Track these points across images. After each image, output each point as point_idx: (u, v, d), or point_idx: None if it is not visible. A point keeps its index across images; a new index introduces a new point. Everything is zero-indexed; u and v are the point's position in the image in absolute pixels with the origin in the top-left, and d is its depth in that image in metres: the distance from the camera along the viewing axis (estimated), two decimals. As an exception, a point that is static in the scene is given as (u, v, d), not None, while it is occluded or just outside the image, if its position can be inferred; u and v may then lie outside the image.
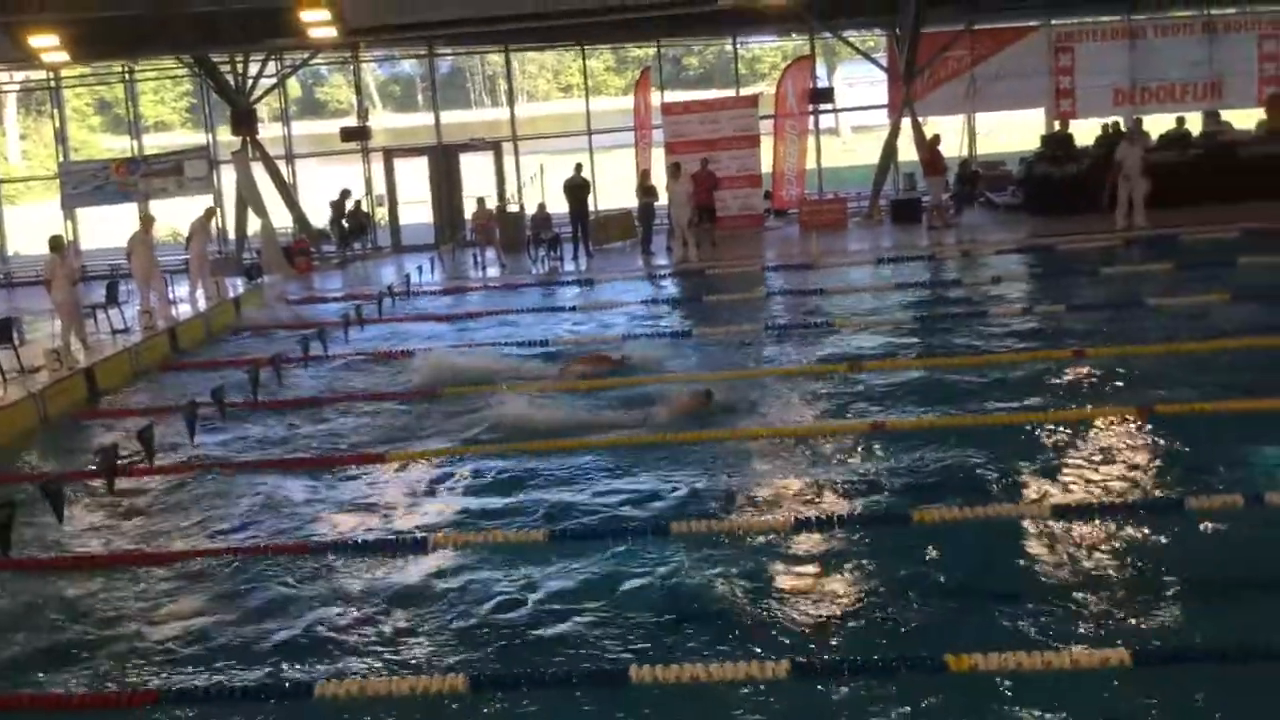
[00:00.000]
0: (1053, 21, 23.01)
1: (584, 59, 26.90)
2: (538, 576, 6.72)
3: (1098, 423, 8.85)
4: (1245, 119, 21.94)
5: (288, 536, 7.67)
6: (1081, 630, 5.70)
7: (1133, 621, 5.81)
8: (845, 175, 27.16)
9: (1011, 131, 26.53)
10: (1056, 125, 22.20)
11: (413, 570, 6.98)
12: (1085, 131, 21.86)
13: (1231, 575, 6.28)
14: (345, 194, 23.64)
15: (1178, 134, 20.91)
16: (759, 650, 5.65)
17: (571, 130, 26.15)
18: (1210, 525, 6.84)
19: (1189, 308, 12.49)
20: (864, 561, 6.75)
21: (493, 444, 9.45)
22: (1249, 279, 13.84)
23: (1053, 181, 20.07)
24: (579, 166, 20.95)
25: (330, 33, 19.77)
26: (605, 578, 6.66)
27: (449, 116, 30.66)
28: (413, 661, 5.88)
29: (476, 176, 24.22)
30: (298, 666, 5.87)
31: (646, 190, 20.39)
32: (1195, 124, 21.53)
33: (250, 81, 23.25)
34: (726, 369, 11.48)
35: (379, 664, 5.86)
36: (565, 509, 7.85)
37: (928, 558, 6.72)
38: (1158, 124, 21.81)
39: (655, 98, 24.06)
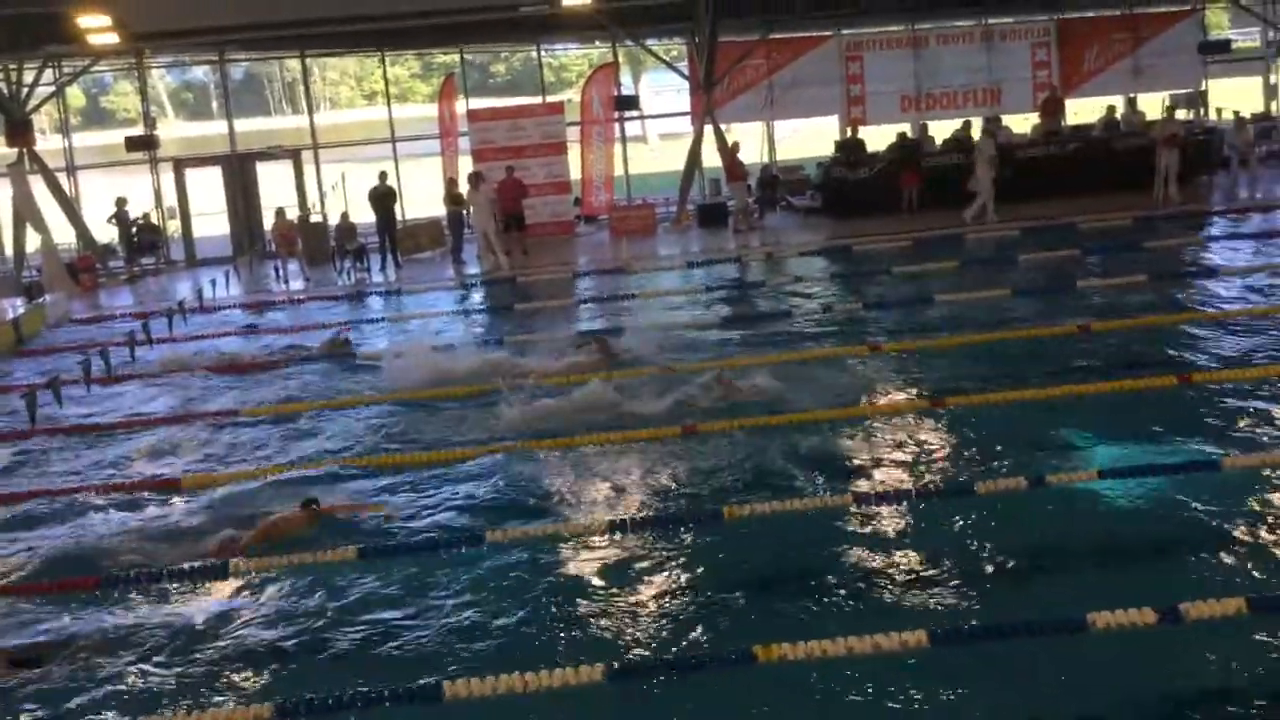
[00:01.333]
0: (843, 31, 23.93)
1: (385, 65, 26.39)
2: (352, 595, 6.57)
3: (893, 415, 9.23)
4: (1023, 123, 23.44)
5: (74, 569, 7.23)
6: (882, 615, 5.93)
7: (929, 603, 6.09)
8: (654, 181, 27.54)
9: (811, 137, 27.44)
10: (849, 131, 23.14)
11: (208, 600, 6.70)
12: (879, 136, 22.92)
13: (1018, 554, 6.65)
14: (121, 203, 22.33)
15: (961, 138, 22.11)
16: (573, 656, 5.65)
17: (376, 138, 25.64)
18: (997, 508, 7.25)
19: (974, 303, 13.18)
20: (677, 560, 6.85)
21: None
22: (1027, 274, 14.77)
23: (848, 185, 20.90)
24: (383, 175, 20.53)
25: (111, 39, 18.76)
26: (412, 592, 6.57)
27: (247, 124, 29.58)
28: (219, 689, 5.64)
29: (277, 186, 23.42)
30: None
31: (454, 198, 20.16)
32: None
33: (26, 90, 21.81)
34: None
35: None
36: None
37: (738, 553, 6.88)
38: (943, 129, 23.06)
39: (461, 105, 23.85)
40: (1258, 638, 5.44)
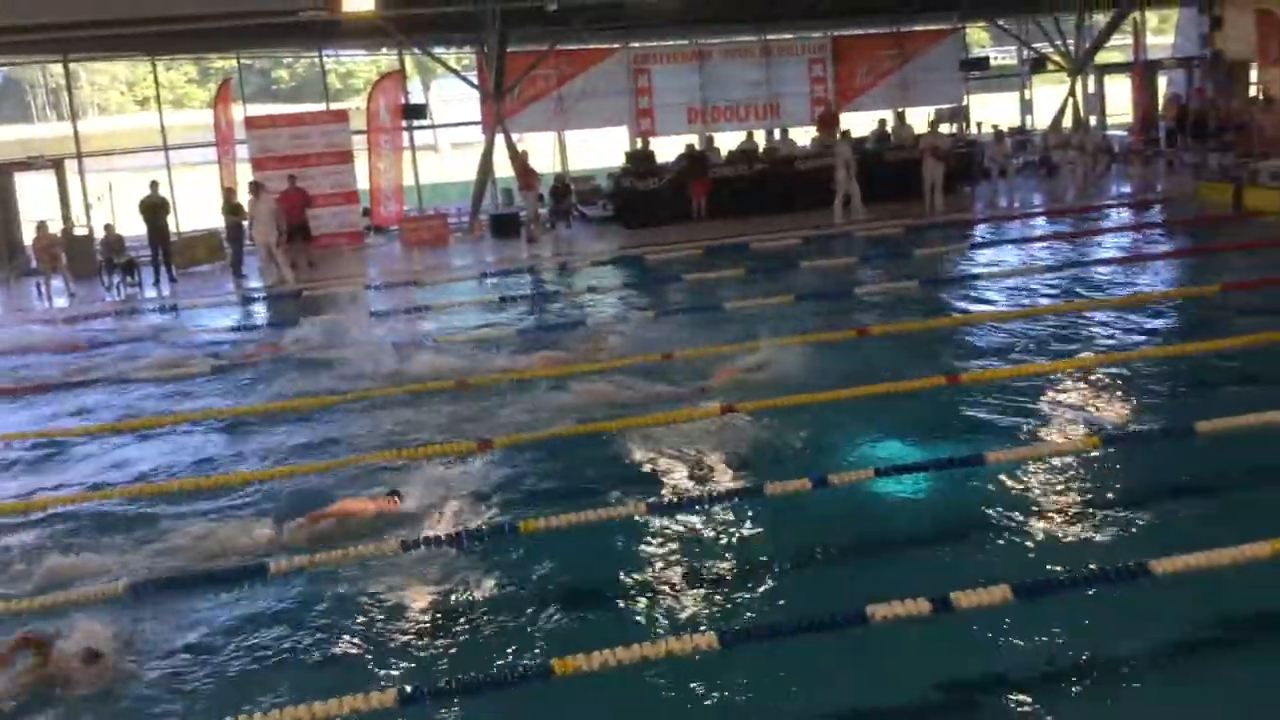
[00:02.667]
0: (630, 44, 24.29)
1: (156, 70, 25.09)
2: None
3: (685, 422, 9.40)
4: (805, 135, 24.37)
5: None
6: (675, 619, 6.03)
7: (720, 606, 6.24)
8: (447, 191, 27.23)
9: (603, 147, 27.69)
10: (639, 142, 23.52)
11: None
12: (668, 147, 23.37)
13: (804, 553, 6.91)
14: None
15: (746, 149, 22.82)
16: (364, 683, 5.50)
17: (146, 146, 24.34)
18: (785, 508, 7.50)
19: (760, 309, 13.59)
20: (472, 576, 6.77)
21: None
22: (809, 281, 15.34)
23: (638, 195, 21.22)
24: (154, 184, 19.49)
25: None
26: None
27: (8, 133, 27.59)
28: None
29: (40, 198, 21.90)
30: None
31: (233, 209, 19.35)
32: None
33: None
34: (322, 394, 11.14)
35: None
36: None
37: (535, 566, 6.86)
38: (728, 140, 23.74)
39: (239, 111, 22.93)
40: (1021, 622, 5.81)
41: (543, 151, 24.78)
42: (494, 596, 6.53)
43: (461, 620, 6.28)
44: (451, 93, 28.80)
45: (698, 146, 22.78)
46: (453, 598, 6.54)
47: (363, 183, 22.63)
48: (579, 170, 25.54)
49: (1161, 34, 31.21)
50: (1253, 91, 24.96)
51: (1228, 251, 15.59)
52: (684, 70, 24.63)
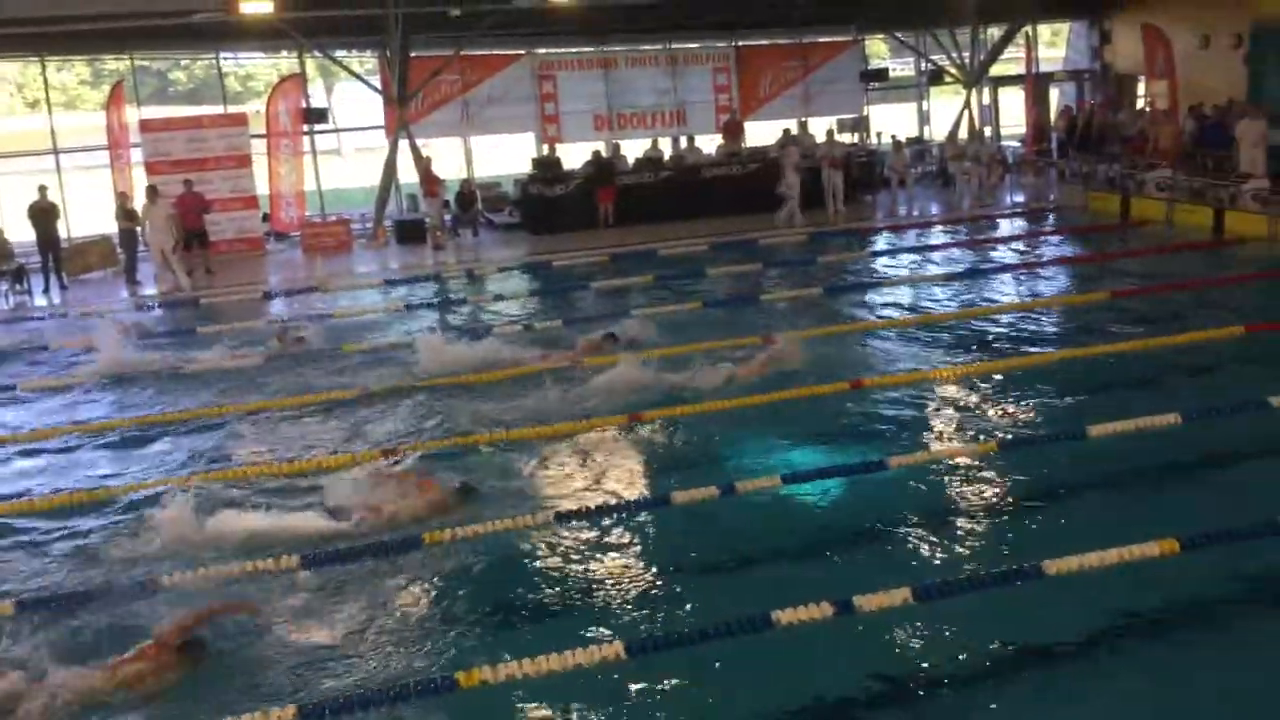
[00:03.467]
0: (535, 51, 24.23)
1: (45, 71, 24.24)
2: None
3: (592, 431, 9.40)
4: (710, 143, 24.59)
5: None
6: (581, 630, 6.02)
7: (628, 615, 6.25)
8: (350, 196, 26.85)
9: (510, 154, 27.54)
10: (546, 149, 23.46)
11: None
12: (575, 153, 23.36)
13: (712, 560, 6.94)
14: None
15: (653, 156, 22.93)
16: (262, 699, 5.39)
17: (36, 149, 23.53)
18: (693, 516, 7.54)
19: (668, 316, 13.66)
20: (378, 588, 6.68)
21: None
22: (717, 287, 15.48)
23: (545, 201, 21.18)
24: (43, 189, 18.80)
25: None
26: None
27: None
28: None
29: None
30: None
31: (127, 214, 18.78)
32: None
33: None
34: (224, 403, 10.89)
35: None
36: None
37: (439, 579, 6.79)
38: (635, 148, 23.83)
39: (133, 114, 22.29)
40: (920, 623, 5.93)
41: (451, 157, 24.56)
42: (398, 608, 6.44)
43: (366, 634, 6.18)
44: (355, 96, 28.36)
45: (604, 154, 22.84)
46: (357, 610, 6.43)
47: (263, 188, 22.15)
48: (485, 177, 25.37)
49: (1054, 47, 32.16)
50: (1140, 104, 25.91)
51: (1116, 259, 16.14)
52: (590, 77, 24.66)
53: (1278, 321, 11.86)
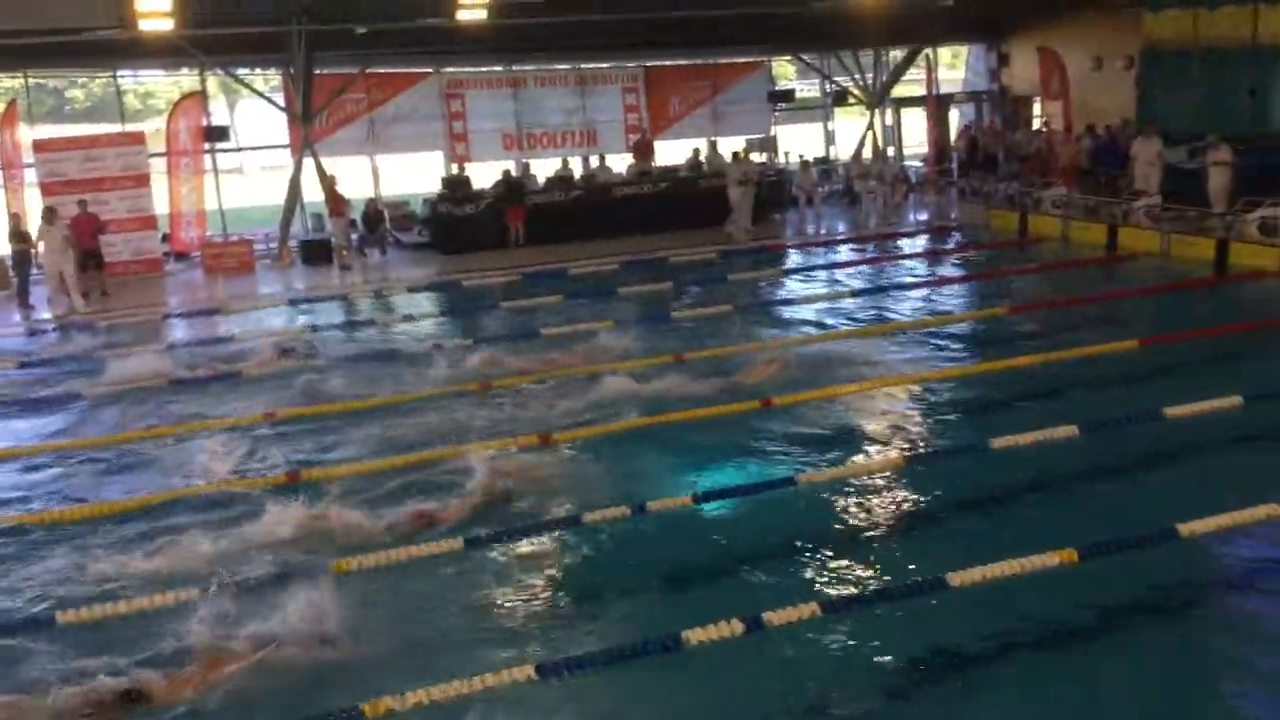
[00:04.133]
0: (443, 69, 24.09)
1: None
2: None
3: (498, 452, 9.32)
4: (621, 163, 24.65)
5: None
6: (492, 653, 5.95)
7: (538, 638, 6.19)
8: (254, 216, 26.34)
9: (418, 172, 27.29)
10: (455, 168, 23.32)
11: None
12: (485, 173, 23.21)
13: (623, 581, 6.89)
14: None
15: (564, 176, 22.93)
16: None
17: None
18: (604, 536, 7.51)
19: (577, 335, 13.63)
20: (281, 618, 6.52)
21: None
22: (627, 306, 15.50)
23: (454, 221, 21.03)
24: (-73, 210, 18.15)
25: None
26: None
27: None
28: None
29: None
30: None
31: (20, 236, 18.17)
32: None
33: None
34: (119, 431, 10.58)
35: None
36: None
37: (349, 606, 6.65)
38: (546, 167, 23.81)
39: (27, 133, 21.61)
40: (829, 636, 5.98)
41: (358, 176, 24.24)
42: (306, 637, 6.28)
43: (276, 664, 6.01)
44: (259, 114, 27.86)
45: (514, 173, 22.75)
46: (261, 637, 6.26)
47: (162, 208, 21.62)
48: (394, 196, 25.09)
49: (954, 69, 33.00)
50: (1036, 124, 26.70)
51: (1015, 275, 16.57)
52: (499, 96, 24.59)
53: (1170, 334, 12.29)
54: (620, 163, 24.49)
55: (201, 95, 23.33)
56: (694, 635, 5.85)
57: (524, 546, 7.39)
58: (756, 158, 25.28)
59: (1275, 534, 7.06)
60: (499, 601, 6.67)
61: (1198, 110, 19.50)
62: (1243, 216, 16.55)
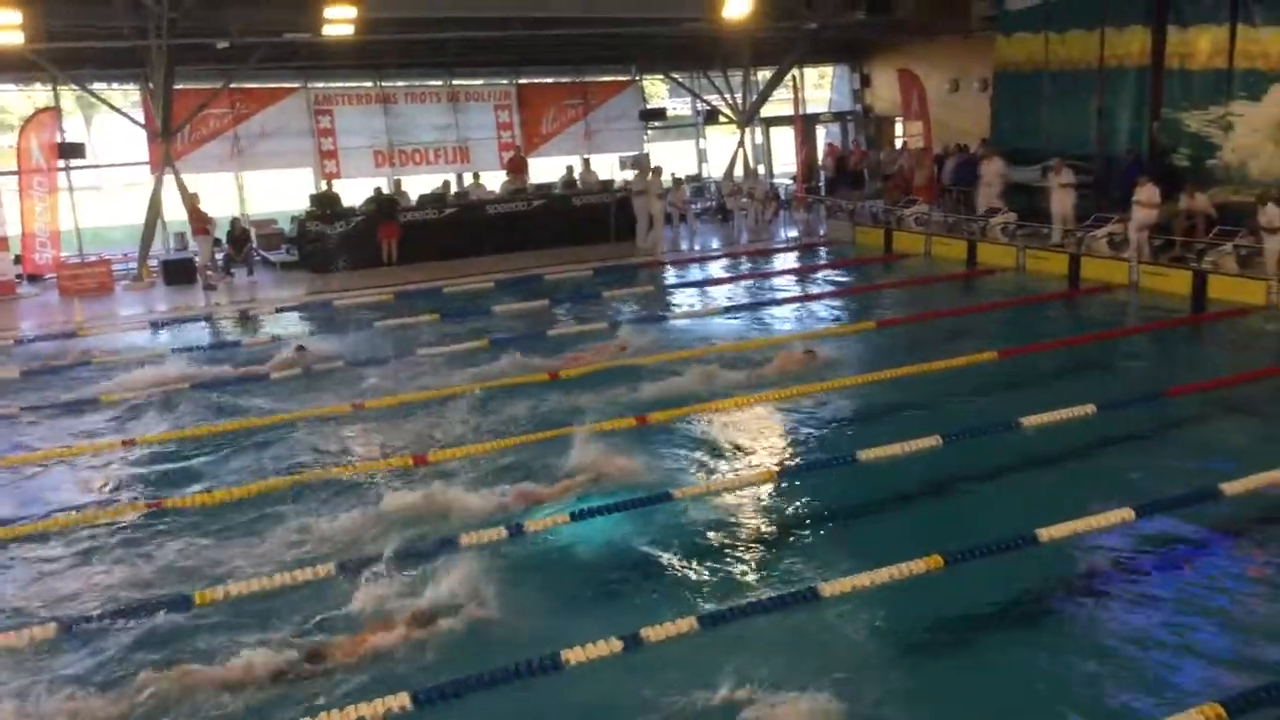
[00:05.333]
0: (310, 84, 23.65)
1: None
2: None
3: (379, 473, 9.20)
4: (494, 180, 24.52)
5: None
6: (367, 679, 5.86)
7: (416, 663, 6.11)
8: (114, 235, 25.41)
9: (286, 190, 26.68)
10: (325, 185, 22.89)
11: None
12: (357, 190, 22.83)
13: (502, 602, 6.81)
14: None
15: (437, 194, 22.67)
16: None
17: None
18: (482, 557, 7.45)
19: (456, 355, 13.52)
20: (134, 653, 6.31)
21: None
22: (503, 324, 15.42)
23: (325, 239, 20.63)
24: None
25: None
26: None
27: None
28: None
29: None
30: None
31: None
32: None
33: None
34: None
35: None
36: None
37: (211, 638, 6.47)
38: (419, 184, 23.52)
39: None
40: (707, 650, 6.06)
41: (223, 193, 23.56)
42: (159, 668, 6.08)
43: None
44: (118, 130, 26.88)
45: (386, 190, 22.44)
46: (110, 672, 6.04)
47: (14, 227, 20.67)
48: (261, 213, 24.46)
49: (820, 89, 33.82)
50: (898, 143, 27.58)
51: (882, 290, 17.06)
52: (369, 112, 24.22)
53: (1027, 346, 12.82)
54: (495, 180, 24.37)
55: (55, 111, 22.40)
56: (573, 655, 5.87)
57: (399, 570, 7.26)
58: (629, 175, 25.47)
59: (1129, 537, 7.43)
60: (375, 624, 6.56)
61: (1050, 130, 20.46)
62: (1093, 233, 17.39)
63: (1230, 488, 8.04)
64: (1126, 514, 7.61)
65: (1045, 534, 7.28)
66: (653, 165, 23.23)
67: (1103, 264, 16.62)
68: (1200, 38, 17.63)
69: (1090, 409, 9.99)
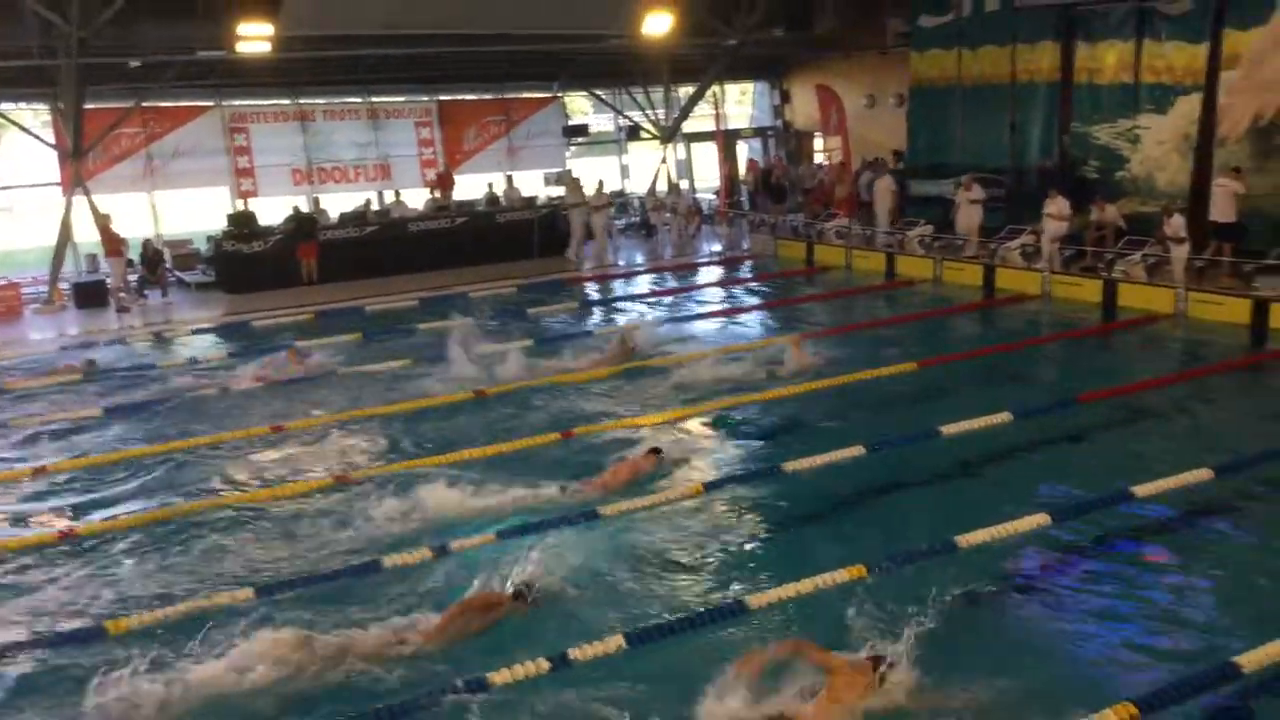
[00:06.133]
0: (225, 102, 23.28)
1: None
2: None
3: (296, 495, 9.05)
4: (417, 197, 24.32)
5: None
6: (279, 706, 5.77)
7: (339, 686, 6.01)
8: (24, 258, 24.73)
9: (202, 209, 26.16)
10: (241, 204, 22.51)
11: None
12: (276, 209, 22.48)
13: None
14: None
15: (358, 212, 22.41)
16: None
17: None
18: (405, 579, 7.37)
19: (378, 375, 13.35)
20: (56, 691, 6.12)
21: None
22: (427, 343, 15.25)
23: (242, 258, 20.28)
24: None
25: None
26: None
27: None
28: None
29: None
30: None
31: None
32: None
33: None
34: None
35: None
36: None
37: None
38: (339, 203, 23.23)
39: None
40: (635, 668, 6.05)
41: (137, 214, 23.03)
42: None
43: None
44: (27, 150, 26.17)
45: (305, 208, 22.14)
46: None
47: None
48: (176, 234, 23.94)
49: (741, 105, 34.13)
50: (818, 158, 27.96)
51: (804, 303, 17.24)
52: (286, 130, 23.90)
53: (945, 356, 13.04)
54: (417, 198, 24.18)
55: (-45, 130, 21.77)
56: (499, 676, 5.82)
57: (320, 594, 7.15)
58: (555, 191, 25.46)
59: (1045, 541, 7.58)
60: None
61: (964, 144, 20.89)
62: (1007, 244, 17.79)
63: (1141, 490, 8.26)
64: (1042, 519, 7.78)
65: (964, 541, 7.40)
66: (592, 180, 23.17)
67: (1017, 275, 17.01)
68: (1108, 53, 18.14)
69: (1006, 416, 10.20)
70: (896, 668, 5.59)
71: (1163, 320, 14.50)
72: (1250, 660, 5.82)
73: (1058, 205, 16.73)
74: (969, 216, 18.70)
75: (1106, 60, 18.20)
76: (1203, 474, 8.55)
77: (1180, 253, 15.11)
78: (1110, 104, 18.21)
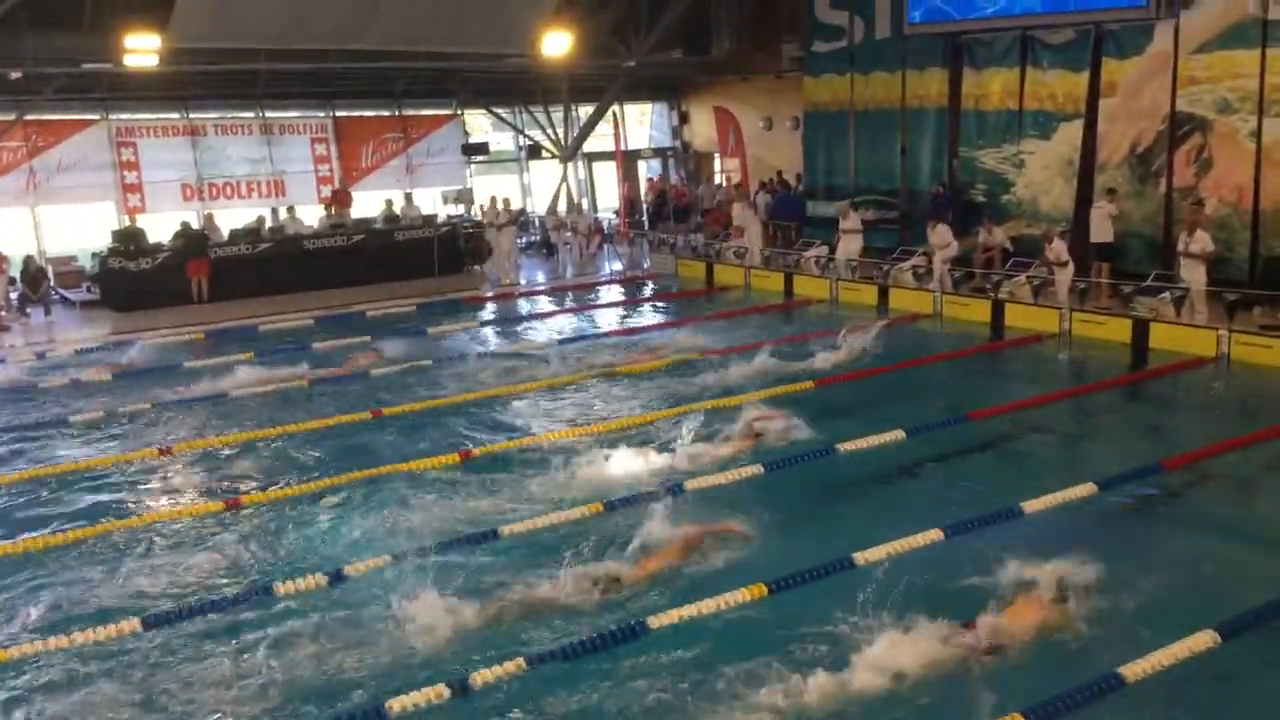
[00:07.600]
0: (111, 116, 22.61)
1: None
2: None
3: (182, 520, 8.81)
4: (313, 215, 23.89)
5: None
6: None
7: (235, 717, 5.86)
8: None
9: (87, 225, 25.30)
10: (128, 220, 21.86)
11: None
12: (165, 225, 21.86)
13: (323, 657, 6.58)
14: None
15: (250, 229, 21.92)
16: None
17: None
18: (298, 607, 7.20)
19: (271, 394, 13.07)
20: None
21: None
22: (318, 361, 14.98)
23: (129, 276, 19.68)
24: None
25: None
26: None
27: None
28: None
29: None
30: None
31: None
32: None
33: None
34: None
35: None
36: None
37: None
38: (232, 219, 22.70)
39: None
40: (536, 693, 6.01)
41: (18, 230, 22.17)
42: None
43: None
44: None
45: (195, 225, 21.58)
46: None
47: None
48: (59, 251, 23.10)
49: (642, 125, 34.35)
50: (717, 179, 28.29)
51: (704, 322, 17.38)
52: (176, 145, 23.29)
53: (840, 375, 13.27)
54: (312, 214, 23.76)
55: None
56: (396, 704, 5.73)
57: (211, 622, 6.95)
58: (452, 209, 25.29)
59: (940, 556, 7.73)
60: (190, 681, 6.24)
61: (858, 167, 21.36)
62: (899, 265, 18.22)
63: (1030, 506, 8.50)
64: (936, 534, 7.95)
65: (862, 557, 7.52)
66: (502, 198, 23.01)
67: (910, 295, 17.43)
68: (993, 80, 18.75)
69: (900, 434, 10.42)
70: None
71: (1049, 339, 14.99)
72: (1132, 671, 6.04)
73: (938, 235, 17.37)
74: (847, 245, 19.07)
75: (992, 87, 18.81)
76: (1087, 488, 8.85)
77: (1064, 275, 15.66)
78: (996, 129, 18.81)
